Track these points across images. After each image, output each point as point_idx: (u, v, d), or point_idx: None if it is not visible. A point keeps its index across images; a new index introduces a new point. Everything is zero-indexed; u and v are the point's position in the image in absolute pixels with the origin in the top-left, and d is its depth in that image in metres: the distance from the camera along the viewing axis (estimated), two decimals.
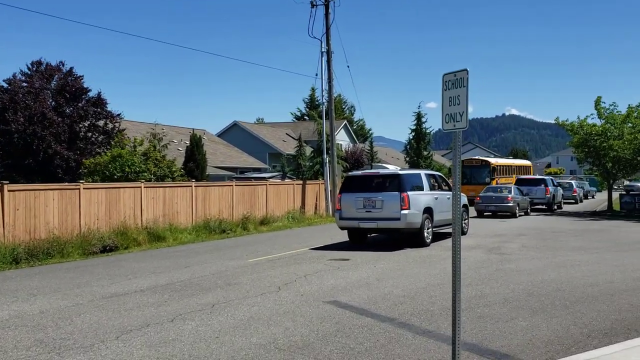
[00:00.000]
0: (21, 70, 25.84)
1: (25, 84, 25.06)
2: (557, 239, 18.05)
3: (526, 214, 30.33)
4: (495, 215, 28.72)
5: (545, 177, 36.73)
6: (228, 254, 14.82)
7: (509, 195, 28.27)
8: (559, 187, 37.69)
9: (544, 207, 34.24)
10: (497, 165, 40.91)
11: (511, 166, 44.62)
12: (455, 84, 5.46)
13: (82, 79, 25.96)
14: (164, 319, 7.89)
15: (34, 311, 8.55)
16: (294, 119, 69.75)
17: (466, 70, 5.36)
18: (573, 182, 47.46)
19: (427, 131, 53.24)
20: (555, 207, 35.56)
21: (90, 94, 26.42)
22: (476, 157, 44.64)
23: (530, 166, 49.83)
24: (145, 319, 7.91)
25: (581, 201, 46.62)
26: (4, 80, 25.27)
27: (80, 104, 25.73)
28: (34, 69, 26.20)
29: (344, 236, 17.65)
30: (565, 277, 10.87)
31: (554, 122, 35.44)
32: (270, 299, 9.08)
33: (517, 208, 28.54)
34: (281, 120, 68.70)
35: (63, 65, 26.24)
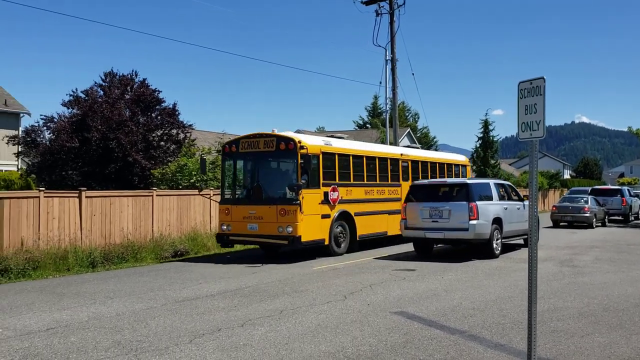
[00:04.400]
0: (95, 82, 27.07)
1: (102, 92, 26.27)
2: (634, 252, 17.23)
3: (603, 224, 29.34)
4: (571, 225, 27.90)
5: (622, 187, 35.21)
6: (293, 261, 14.96)
7: (586, 206, 27.41)
8: (636, 198, 36.06)
9: (619, 217, 32.95)
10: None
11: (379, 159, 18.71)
12: (531, 92, 5.35)
13: (157, 92, 26.92)
14: (235, 324, 8.05)
15: (111, 313, 8.91)
16: (356, 127, 69.78)
17: (543, 78, 5.24)
18: None
19: (495, 139, 52.07)
20: (632, 218, 34.05)
21: (164, 104, 27.31)
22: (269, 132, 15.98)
23: (466, 165, 24.17)
24: (217, 324, 8.10)
25: None
26: (82, 92, 26.56)
27: (153, 114, 26.67)
28: (108, 80, 27.39)
29: (408, 246, 17.49)
30: None
31: (626, 130, 34.01)
32: (337, 308, 9.11)
33: (594, 219, 27.66)
34: (342, 128, 68.92)
35: (136, 75, 27.31)
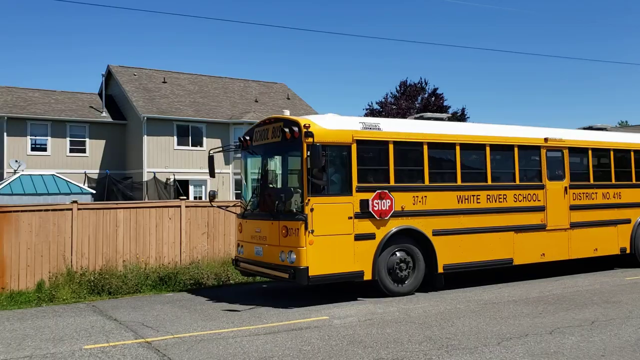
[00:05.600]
0: (391, 93, 29.02)
1: (394, 107, 28.05)
2: None
3: None
4: None
5: None
6: (600, 269, 13.85)
7: None
8: None
9: None
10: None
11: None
12: None
13: (443, 98, 27.70)
14: (542, 331, 7.92)
15: (418, 311, 9.54)
16: None
17: None
18: None
19: None
20: None
21: (450, 111, 27.93)
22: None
23: None
24: (523, 329, 8.07)
25: None
26: (376, 103, 28.77)
27: None
28: (401, 90, 29.11)
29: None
30: None
31: None
32: None
33: None
34: None
35: (426, 84, 28.46)
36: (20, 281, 11.82)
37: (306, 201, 9.80)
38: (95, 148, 33.26)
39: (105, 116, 33.75)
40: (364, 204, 10.35)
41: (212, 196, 12.17)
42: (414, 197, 10.97)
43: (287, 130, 10.13)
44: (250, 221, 11.18)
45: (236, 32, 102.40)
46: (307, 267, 9.72)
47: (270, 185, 11.14)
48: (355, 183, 10.36)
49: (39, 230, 12.06)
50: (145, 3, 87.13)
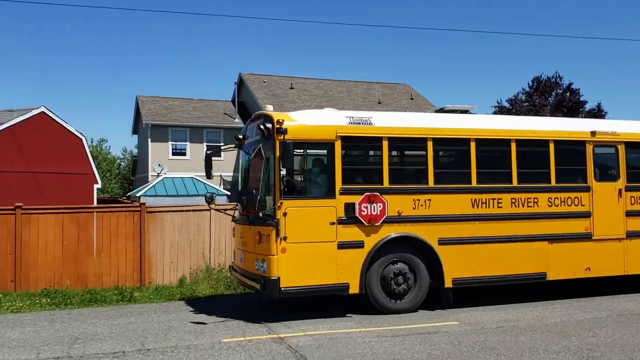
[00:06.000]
0: (522, 89, 27.80)
1: (526, 104, 26.85)
2: None
3: None
4: None
5: None
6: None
7: None
8: None
9: None
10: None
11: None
12: None
13: (579, 93, 26.08)
14: None
15: (554, 319, 9.07)
16: None
17: None
18: None
19: None
20: None
21: (587, 107, 26.27)
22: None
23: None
24: None
25: None
26: (506, 100, 27.70)
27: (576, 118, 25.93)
28: (534, 86, 27.78)
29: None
30: None
31: None
32: None
33: None
34: None
35: (560, 79, 26.93)
36: (165, 276, 12.81)
37: (278, 204, 8.89)
38: (229, 152, 35.06)
39: (238, 122, 35.47)
40: (349, 207, 9.23)
41: (210, 199, 11.05)
42: (414, 200, 9.63)
43: (262, 127, 9.21)
44: (238, 226, 10.55)
45: (363, 36, 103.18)
46: (278, 278, 8.81)
47: (250, 187, 10.30)
48: (339, 184, 9.26)
49: (181, 229, 12.99)
50: (271, 11, 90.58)
